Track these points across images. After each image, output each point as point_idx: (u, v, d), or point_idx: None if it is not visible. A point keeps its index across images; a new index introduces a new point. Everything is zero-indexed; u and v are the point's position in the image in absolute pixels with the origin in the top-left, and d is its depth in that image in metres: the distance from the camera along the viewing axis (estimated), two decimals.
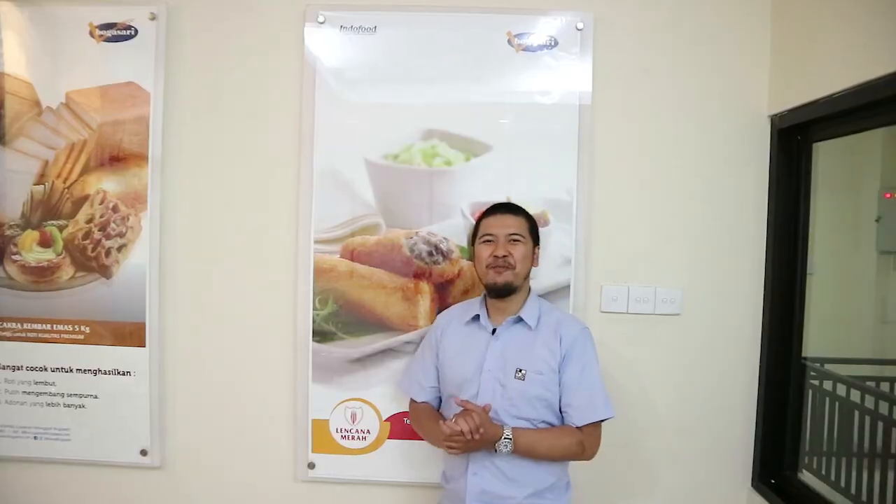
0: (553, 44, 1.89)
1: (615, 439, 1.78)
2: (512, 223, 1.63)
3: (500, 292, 1.61)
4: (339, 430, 1.95)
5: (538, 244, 1.69)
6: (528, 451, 1.53)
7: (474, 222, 1.75)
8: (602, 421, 1.58)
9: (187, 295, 1.99)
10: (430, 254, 1.91)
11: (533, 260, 1.66)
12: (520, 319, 1.63)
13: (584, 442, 1.56)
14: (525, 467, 1.55)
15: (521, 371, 1.58)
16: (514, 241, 1.61)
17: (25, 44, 1.95)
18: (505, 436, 1.51)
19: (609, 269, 1.93)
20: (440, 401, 1.74)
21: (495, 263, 1.59)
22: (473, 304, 1.72)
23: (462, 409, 1.52)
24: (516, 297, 1.64)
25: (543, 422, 1.58)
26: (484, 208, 1.71)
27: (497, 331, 1.63)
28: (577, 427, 1.56)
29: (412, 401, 1.77)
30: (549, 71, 1.89)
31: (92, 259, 1.96)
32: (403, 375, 1.85)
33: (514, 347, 1.61)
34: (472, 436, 1.46)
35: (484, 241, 1.64)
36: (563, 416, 1.59)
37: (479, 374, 1.60)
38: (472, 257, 1.77)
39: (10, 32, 1.95)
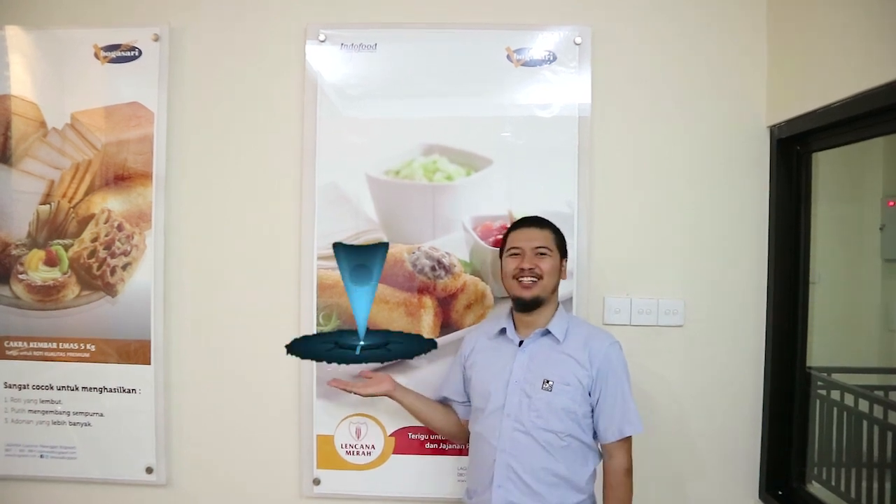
0: (552, 58, 1.91)
1: None
2: (537, 236, 1.62)
3: (528, 306, 1.60)
4: (343, 446, 1.95)
5: (566, 257, 1.68)
6: None
7: (501, 236, 1.74)
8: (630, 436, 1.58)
9: (192, 312, 2.00)
10: (433, 268, 1.91)
11: (560, 273, 1.65)
12: (547, 332, 1.62)
13: (629, 470, 1.57)
14: (550, 483, 1.54)
15: (548, 382, 1.56)
16: (541, 254, 1.60)
17: (31, 66, 1.98)
18: None
19: (611, 280, 1.93)
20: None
21: (521, 276, 1.59)
22: (500, 318, 1.71)
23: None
24: (544, 311, 1.63)
25: (570, 435, 1.56)
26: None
27: (524, 343, 1.63)
28: (609, 442, 1.57)
29: None
30: (549, 85, 1.91)
31: (97, 278, 1.98)
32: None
33: (541, 359, 1.60)
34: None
35: (510, 255, 1.63)
36: (594, 432, 1.59)
37: (506, 386, 1.59)
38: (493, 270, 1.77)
39: (16, 55, 1.99)
